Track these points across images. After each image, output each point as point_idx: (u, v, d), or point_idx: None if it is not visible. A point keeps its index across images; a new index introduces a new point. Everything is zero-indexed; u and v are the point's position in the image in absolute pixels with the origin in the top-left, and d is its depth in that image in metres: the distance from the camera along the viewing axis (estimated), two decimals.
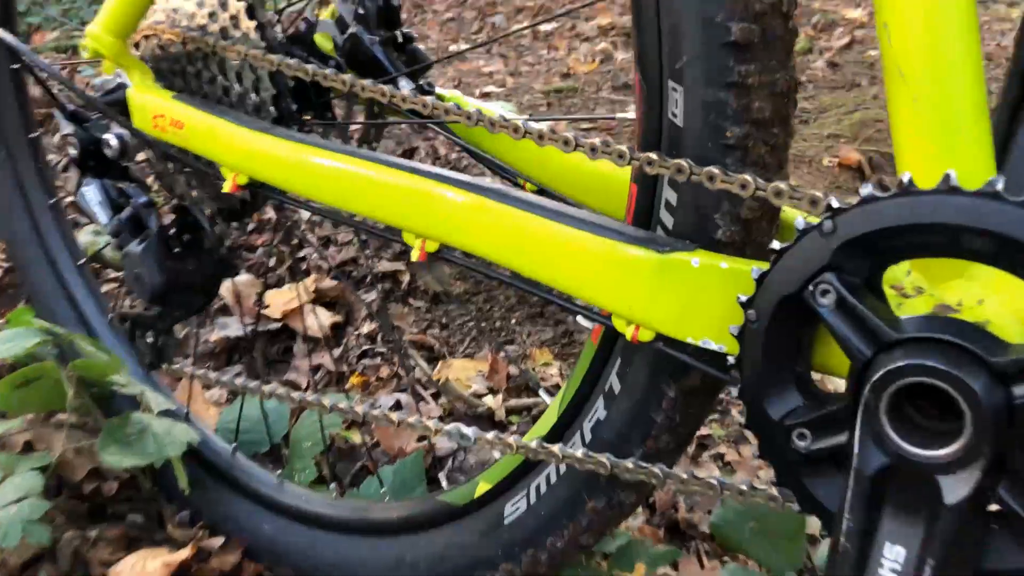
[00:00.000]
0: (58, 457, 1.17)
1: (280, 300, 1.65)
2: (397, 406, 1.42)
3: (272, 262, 1.80)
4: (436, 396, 1.47)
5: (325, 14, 1.05)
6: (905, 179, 0.52)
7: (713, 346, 0.63)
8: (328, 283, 1.71)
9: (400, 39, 0.98)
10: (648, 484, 0.80)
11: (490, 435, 0.79)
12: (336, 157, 0.76)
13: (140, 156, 0.98)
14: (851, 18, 3.54)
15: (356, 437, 1.36)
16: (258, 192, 0.94)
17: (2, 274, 1.63)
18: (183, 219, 0.94)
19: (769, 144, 0.65)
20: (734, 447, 1.33)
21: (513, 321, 1.70)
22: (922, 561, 0.53)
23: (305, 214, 1.93)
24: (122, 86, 0.89)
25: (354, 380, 1.48)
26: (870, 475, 0.54)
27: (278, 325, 1.61)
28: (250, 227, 1.91)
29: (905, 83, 0.57)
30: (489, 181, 0.73)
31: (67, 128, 0.94)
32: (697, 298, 0.63)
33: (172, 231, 0.94)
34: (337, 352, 1.56)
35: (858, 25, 3.44)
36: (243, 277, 1.72)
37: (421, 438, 1.35)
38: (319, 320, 1.60)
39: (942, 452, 0.52)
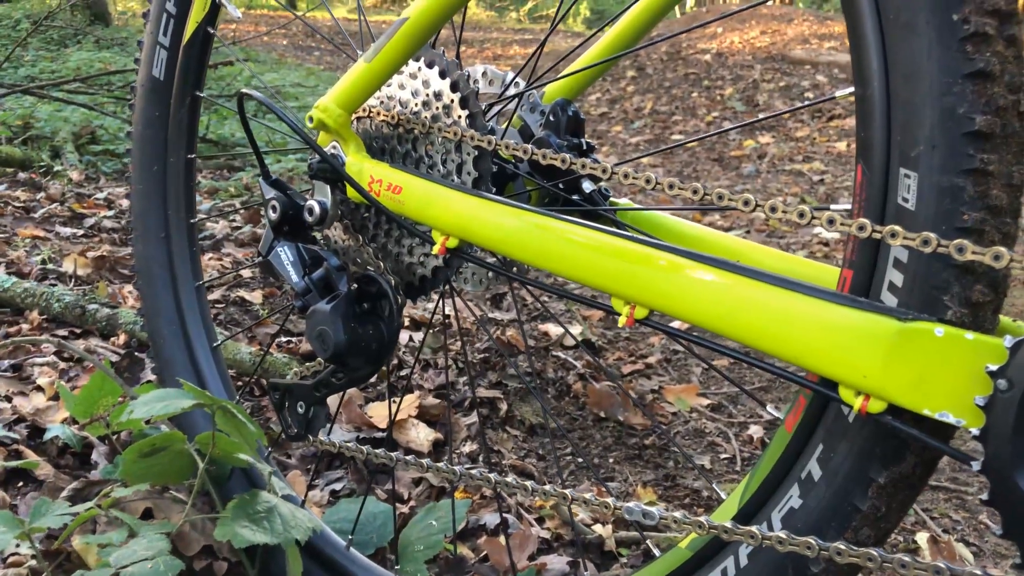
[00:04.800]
0: (177, 528, 1.15)
1: (383, 412, 1.65)
2: (504, 524, 1.39)
3: (373, 379, 1.82)
4: (540, 521, 1.43)
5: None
6: None
7: (951, 419, 0.63)
8: (430, 401, 1.72)
9: (584, 147, 1.05)
10: None
11: (677, 514, 0.78)
12: (552, 222, 0.80)
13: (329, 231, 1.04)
14: None
15: (462, 550, 1.32)
16: (441, 268, 0.99)
17: (119, 358, 1.66)
18: (365, 288, 0.98)
19: (1002, 232, 0.68)
20: None
21: (611, 460, 1.68)
22: None
23: (403, 338, 1.97)
24: (337, 157, 0.96)
25: (457, 495, 1.45)
26: None
27: (381, 435, 1.60)
28: None
29: None
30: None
31: (270, 193, 1.00)
32: (938, 369, 0.64)
33: (356, 297, 0.97)
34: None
35: None
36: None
37: (531, 557, 1.31)
38: (422, 435, 1.59)
39: None
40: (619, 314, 0.78)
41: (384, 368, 1.86)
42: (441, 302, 1.10)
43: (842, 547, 0.70)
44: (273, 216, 1.00)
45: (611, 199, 1.07)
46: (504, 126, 1.08)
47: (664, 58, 9.33)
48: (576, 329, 2.27)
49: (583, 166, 0.83)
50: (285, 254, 0.98)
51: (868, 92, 0.72)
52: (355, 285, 0.97)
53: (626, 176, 0.80)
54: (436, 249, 0.87)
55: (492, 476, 0.91)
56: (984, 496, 0.62)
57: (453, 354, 1.95)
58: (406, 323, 2.09)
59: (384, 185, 0.90)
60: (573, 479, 1.61)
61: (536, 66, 1.07)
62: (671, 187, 0.78)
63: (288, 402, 1.08)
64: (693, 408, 1.90)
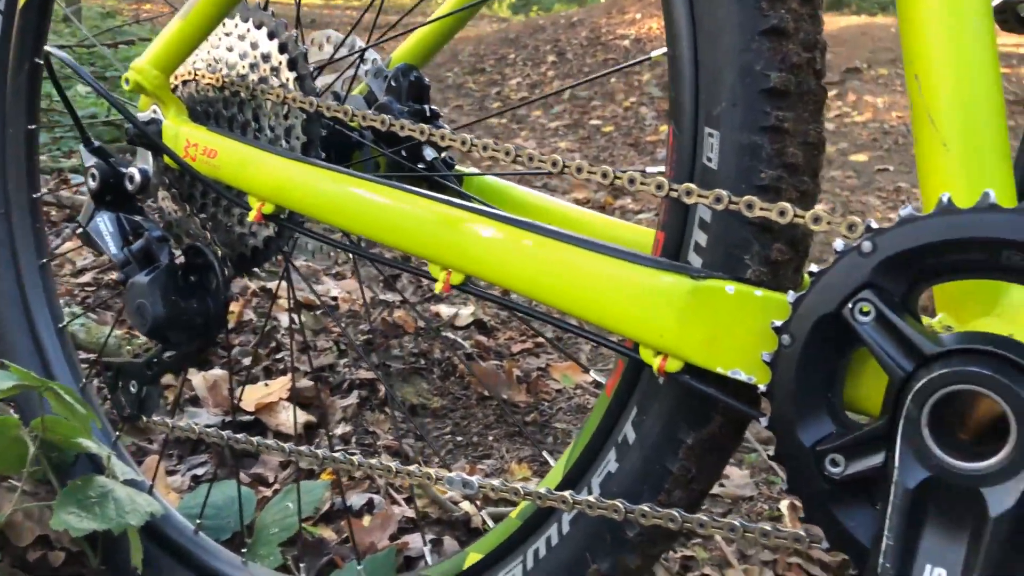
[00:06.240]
0: (5, 518, 1.09)
1: (255, 395, 1.60)
2: (369, 505, 1.36)
3: (248, 361, 1.77)
4: (409, 501, 1.41)
5: (355, 92, 1.10)
6: (945, 199, 0.54)
7: (743, 376, 0.63)
8: (304, 384, 1.68)
9: (427, 113, 1.03)
10: (655, 547, 0.77)
11: (495, 482, 0.76)
12: (367, 186, 0.78)
13: (158, 197, 0.99)
14: None
15: (324, 532, 1.29)
16: (273, 239, 0.95)
17: None
18: (192, 260, 0.94)
19: (800, 191, 0.68)
20: (718, 570, 1.28)
21: (491, 438, 1.67)
22: None
23: (284, 320, 1.92)
24: (156, 121, 0.91)
25: (325, 476, 1.42)
26: (912, 489, 0.53)
27: (250, 418, 1.56)
28: (229, 327, 1.89)
29: (935, 129, 0.61)
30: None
31: (90, 161, 0.95)
32: (730, 326, 0.63)
33: (180, 270, 0.93)
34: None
35: None
36: (217, 371, 1.68)
37: (393, 537, 1.28)
38: (293, 417, 1.55)
39: (986, 463, 0.51)
40: (436, 280, 0.76)
41: (260, 351, 1.81)
42: (284, 275, 1.07)
43: (646, 509, 0.69)
44: (92, 184, 0.95)
45: (457, 167, 1.05)
46: (345, 92, 1.05)
47: (584, 43, 9.35)
48: (468, 309, 2.25)
49: (402, 127, 0.80)
50: (104, 224, 0.93)
51: (677, 52, 0.71)
52: (180, 257, 0.93)
53: (443, 138, 0.78)
54: (252, 216, 0.84)
55: (320, 452, 0.88)
56: (771, 452, 0.61)
57: (335, 336, 1.91)
58: (288, 305, 2.04)
59: (200, 149, 0.86)
60: (450, 457, 1.59)
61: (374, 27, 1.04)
62: (485, 148, 0.76)
63: (121, 382, 1.03)
64: (578, 384, 1.90)
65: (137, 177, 0.93)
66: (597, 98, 7.73)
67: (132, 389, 1.01)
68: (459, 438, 1.66)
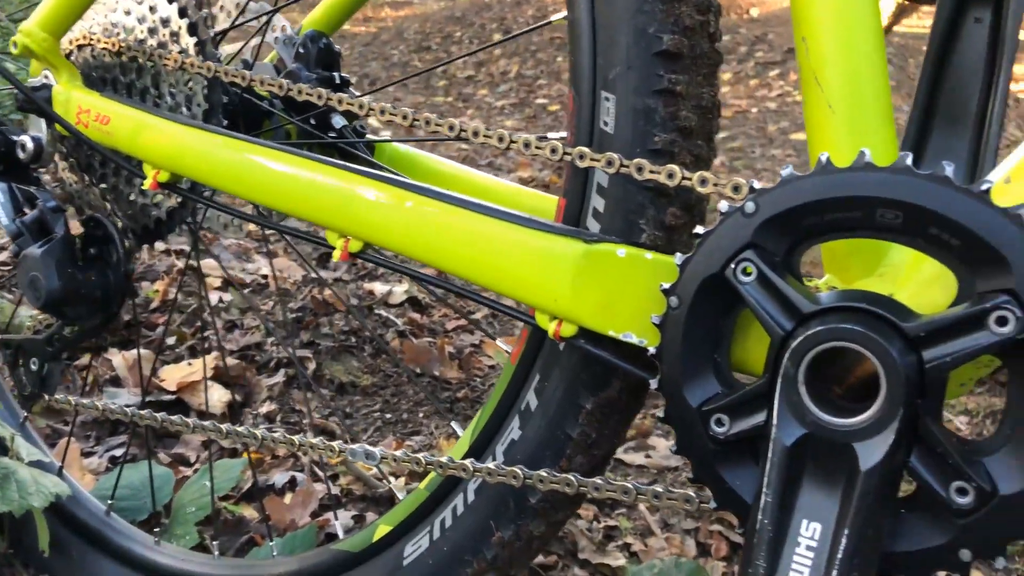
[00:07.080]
0: None
1: (177, 374, 1.57)
2: (292, 483, 1.34)
3: (172, 340, 1.73)
4: (334, 479, 1.40)
5: (267, 60, 1.08)
6: (823, 159, 0.55)
7: (634, 339, 0.63)
8: (229, 362, 1.65)
9: (337, 81, 1.01)
10: (558, 513, 0.77)
11: (398, 453, 0.76)
12: (262, 152, 0.76)
13: (56, 168, 0.96)
14: None
15: (245, 510, 1.27)
16: (177, 210, 0.93)
17: None
18: (92, 232, 0.91)
19: (694, 155, 0.68)
20: (640, 539, 1.29)
21: (420, 415, 1.66)
22: (837, 535, 0.52)
23: (213, 298, 1.89)
24: (47, 86, 0.88)
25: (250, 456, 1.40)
26: (788, 446, 0.54)
27: (171, 398, 1.52)
28: (152, 306, 1.84)
29: (821, 90, 0.61)
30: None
31: None
32: (621, 289, 0.63)
33: (79, 242, 0.90)
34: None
35: None
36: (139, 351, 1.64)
37: (314, 514, 1.27)
38: (216, 396, 1.52)
39: (858, 418, 0.52)
40: (334, 248, 0.75)
41: (184, 330, 1.77)
42: (193, 247, 1.04)
43: (544, 474, 0.69)
44: None
45: (369, 136, 1.03)
46: (253, 59, 1.02)
47: (530, 21, 9.30)
48: (402, 287, 2.24)
49: (300, 92, 0.78)
50: None
51: (576, 15, 0.70)
52: (81, 228, 0.90)
53: (341, 102, 0.77)
54: (147, 184, 0.81)
55: (224, 427, 0.87)
56: (660, 413, 0.62)
57: (263, 314, 1.88)
58: (217, 283, 2.00)
59: (92, 116, 0.83)
60: (379, 434, 1.58)
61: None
62: (383, 112, 0.75)
63: (22, 360, 1.00)
64: None
65: (29, 145, 0.90)
66: (543, 77, 7.70)
67: (33, 367, 0.98)
68: (388, 415, 1.65)
